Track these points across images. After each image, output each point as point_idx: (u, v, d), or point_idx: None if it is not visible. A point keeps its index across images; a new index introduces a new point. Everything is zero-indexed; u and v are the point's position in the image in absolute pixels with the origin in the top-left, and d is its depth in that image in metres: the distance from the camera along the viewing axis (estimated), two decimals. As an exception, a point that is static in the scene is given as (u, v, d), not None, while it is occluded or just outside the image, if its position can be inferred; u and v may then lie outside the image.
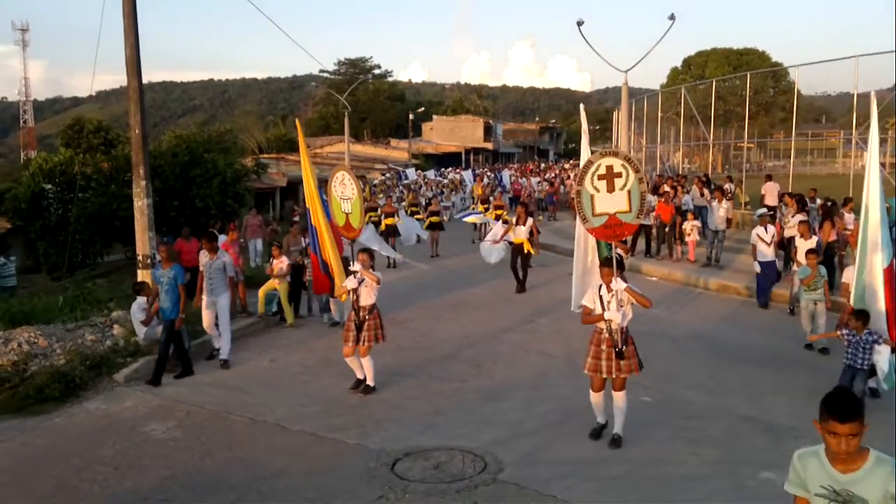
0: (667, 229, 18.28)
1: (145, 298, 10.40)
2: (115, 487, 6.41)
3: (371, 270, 8.68)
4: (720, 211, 16.58)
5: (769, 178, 22.59)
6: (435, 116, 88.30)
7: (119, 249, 25.83)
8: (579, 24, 20.83)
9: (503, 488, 6.19)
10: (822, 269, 10.91)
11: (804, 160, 46.75)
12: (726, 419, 7.79)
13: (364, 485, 6.30)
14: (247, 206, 27.25)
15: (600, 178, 6.89)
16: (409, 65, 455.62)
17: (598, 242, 9.26)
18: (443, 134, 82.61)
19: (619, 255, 7.55)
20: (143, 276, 11.63)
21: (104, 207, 23.73)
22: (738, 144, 32.54)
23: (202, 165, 24.96)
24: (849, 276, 8.94)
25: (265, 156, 48.46)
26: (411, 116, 67.65)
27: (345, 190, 9.45)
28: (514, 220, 15.97)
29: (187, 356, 9.78)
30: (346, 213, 9.47)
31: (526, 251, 15.13)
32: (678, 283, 16.08)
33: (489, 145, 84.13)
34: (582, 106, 11.21)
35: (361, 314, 8.66)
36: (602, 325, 6.99)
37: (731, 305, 13.99)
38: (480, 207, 15.60)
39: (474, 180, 38.14)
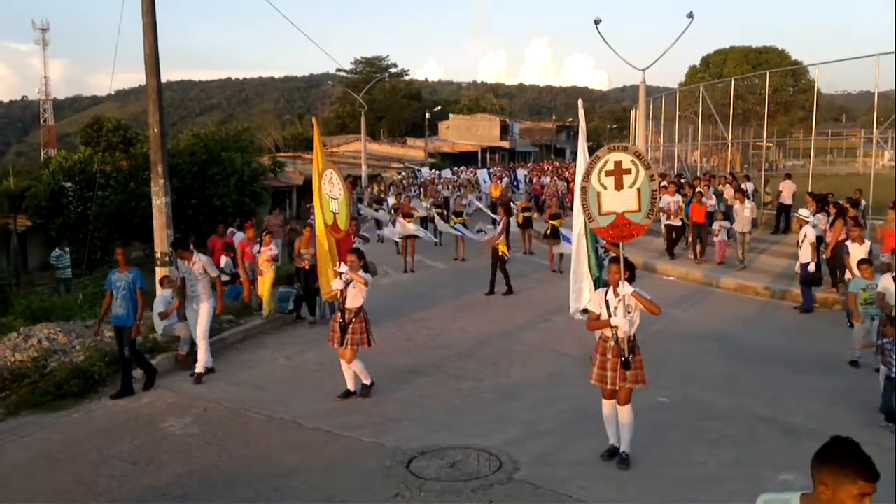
0: (695, 230, 17.74)
1: (170, 291, 10.46)
2: (133, 483, 6.45)
3: (361, 272, 8.41)
4: (745, 212, 16.22)
5: (788, 176, 22.40)
6: (451, 115, 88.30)
7: (138, 247, 26.02)
8: (597, 22, 20.77)
9: (519, 487, 6.17)
10: (886, 279, 9.10)
11: (824, 159, 46.34)
12: (745, 420, 7.72)
13: (380, 483, 6.30)
14: (264, 204, 27.38)
15: (608, 174, 6.48)
16: (426, 63, 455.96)
17: (587, 246, 9.16)
18: (459, 133, 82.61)
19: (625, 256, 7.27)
20: (160, 273, 11.71)
21: (123, 205, 23.97)
22: (757, 143, 32.22)
23: (220, 164, 25.13)
24: (886, 283, 8.44)
25: (282, 154, 48.70)
26: (427, 115, 67.73)
27: (333, 189, 9.00)
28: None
29: (151, 368, 9.22)
30: (334, 213, 8.97)
31: (500, 253, 14.85)
32: (696, 283, 15.97)
33: (506, 144, 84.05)
34: (580, 101, 10.66)
35: (347, 316, 8.42)
36: (608, 332, 6.54)
37: (750, 306, 13.88)
38: (500, 212, 15.29)
39: (490, 180, 38.01)
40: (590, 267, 9.29)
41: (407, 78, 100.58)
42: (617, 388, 6.48)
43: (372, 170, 44.80)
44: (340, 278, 8.44)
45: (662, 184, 22.46)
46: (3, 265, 24.21)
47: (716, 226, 17.35)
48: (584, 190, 6.68)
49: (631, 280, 6.60)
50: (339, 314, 8.51)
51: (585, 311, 8.75)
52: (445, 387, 9.05)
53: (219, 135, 28.08)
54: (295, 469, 6.65)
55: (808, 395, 8.58)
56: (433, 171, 46.77)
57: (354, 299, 8.43)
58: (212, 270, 9.64)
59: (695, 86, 34.23)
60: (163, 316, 10.23)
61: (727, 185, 20.97)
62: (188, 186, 24.29)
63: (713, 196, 19.43)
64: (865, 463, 2.62)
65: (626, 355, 6.44)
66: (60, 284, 16.34)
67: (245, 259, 13.06)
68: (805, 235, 13.12)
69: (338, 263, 8.64)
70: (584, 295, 9.08)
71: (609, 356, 6.50)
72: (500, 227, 15.20)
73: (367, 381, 8.65)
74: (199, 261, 9.56)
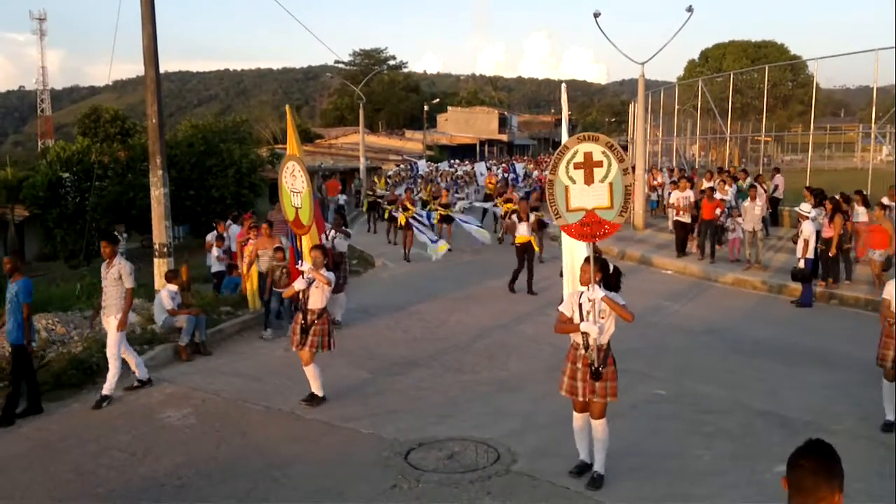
0: (704, 228, 16.92)
1: (176, 288, 10.42)
2: (132, 473, 6.47)
3: (323, 271, 7.99)
4: (755, 209, 15.47)
5: (777, 170, 22.45)
6: (450, 108, 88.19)
7: (136, 238, 26.03)
8: (596, 15, 20.72)
9: (516, 479, 6.20)
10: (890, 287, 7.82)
11: (822, 154, 46.34)
12: (742, 413, 7.76)
13: (378, 474, 6.32)
14: (262, 196, 27.32)
15: (577, 166, 5.93)
16: (424, 55, 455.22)
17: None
18: (457, 125, 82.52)
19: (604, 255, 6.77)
20: (159, 264, 11.71)
21: (121, 196, 23.96)
22: (756, 138, 32.26)
23: (218, 155, 25.11)
24: (891, 291, 7.28)
25: (280, 146, 48.56)
26: (426, 108, 67.58)
27: (295, 182, 8.54)
28: (514, 217, 15.28)
29: (37, 390, 8.06)
30: (296, 208, 8.54)
31: (536, 250, 14.49)
32: (694, 277, 16.00)
33: (504, 137, 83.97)
34: (564, 86, 10.03)
35: (309, 317, 7.98)
36: (578, 338, 5.97)
37: (748, 300, 13.91)
38: (523, 207, 14.98)
39: (486, 173, 37.91)
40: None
41: (405, 70, 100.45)
42: (587, 400, 5.96)
43: (370, 162, 44.72)
44: (302, 277, 8.00)
45: (673, 179, 22.42)
46: (1, 255, 24.18)
47: (730, 222, 16.74)
48: (550, 183, 6.07)
49: (612, 284, 6.05)
50: (299, 315, 8.08)
51: None
52: (443, 379, 9.08)
53: (217, 126, 28.02)
54: (293, 460, 6.68)
55: (804, 388, 8.61)
56: (429, 163, 46.68)
57: (317, 300, 8.01)
58: (127, 281, 8.27)
59: (694, 80, 34.25)
60: (172, 313, 10.16)
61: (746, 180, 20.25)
62: (186, 178, 24.27)
63: (729, 191, 18.78)
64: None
65: (597, 365, 5.86)
66: None
67: (242, 251, 13.05)
68: (802, 231, 13.17)
69: (299, 261, 8.26)
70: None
71: (579, 365, 5.96)
72: (530, 224, 14.51)
73: (318, 393, 8.08)
74: (118, 265, 8.30)
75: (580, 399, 5.97)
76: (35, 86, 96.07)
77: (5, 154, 49.66)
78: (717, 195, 17.90)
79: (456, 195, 26.76)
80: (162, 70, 12.37)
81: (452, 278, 15.85)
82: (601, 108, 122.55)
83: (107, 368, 8.32)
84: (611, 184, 5.86)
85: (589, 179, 5.89)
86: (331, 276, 8.11)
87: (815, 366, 9.54)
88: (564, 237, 8.33)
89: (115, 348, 8.23)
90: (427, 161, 47.43)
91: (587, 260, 6.00)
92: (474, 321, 12.02)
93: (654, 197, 24.99)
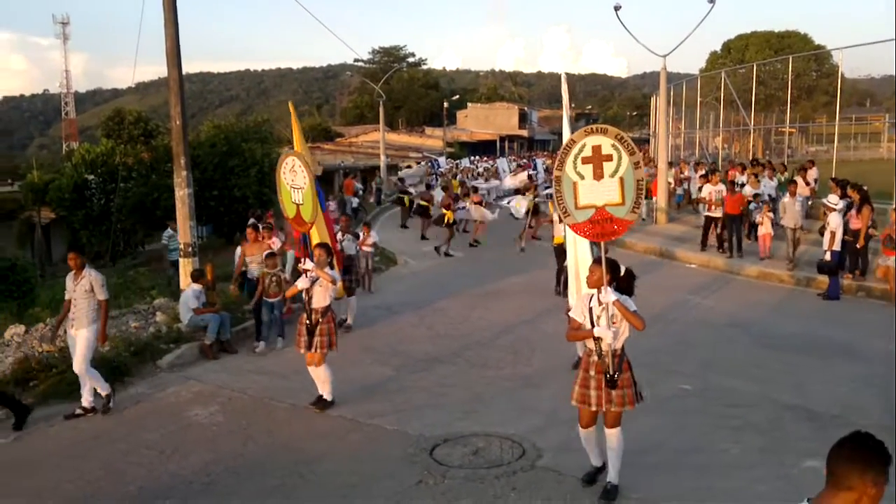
0: (729, 224, 16.45)
1: (201, 287, 10.52)
2: (161, 470, 6.55)
3: (327, 269, 7.82)
4: (796, 206, 14.63)
5: (812, 163, 22.13)
6: (469, 104, 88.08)
7: (160, 238, 26.30)
8: (616, 8, 20.58)
9: (542, 474, 6.19)
10: None
11: (847, 145, 45.68)
12: (769, 407, 7.69)
13: (404, 469, 6.35)
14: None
15: (585, 161, 5.59)
16: (443, 52, 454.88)
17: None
18: (477, 122, 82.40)
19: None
20: (184, 264, 11.83)
21: (145, 197, 24.18)
22: (780, 130, 31.89)
23: (240, 155, 25.27)
24: None
25: (301, 145, 48.73)
26: (446, 104, 67.56)
27: (295, 178, 8.27)
28: (555, 215, 15.15)
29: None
30: (297, 205, 8.27)
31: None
32: (718, 271, 15.86)
33: (524, 132, 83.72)
34: (564, 74, 9.22)
35: (314, 317, 7.75)
36: (591, 344, 5.64)
37: (773, 293, 13.77)
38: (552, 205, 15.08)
39: (509, 169, 37.86)
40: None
41: (425, 67, 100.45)
42: (603, 409, 5.60)
43: (390, 160, 44.83)
44: (306, 276, 7.78)
45: (701, 172, 22.10)
46: (28, 257, 24.53)
47: (759, 217, 16.12)
48: (557, 180, 5.72)
49: (626, 288, 5.70)
50: (304, 315, 7.86)
51: None
52: (467, 375, 9.08)
53: (239, 126, 28.22)
54: (319, 457, 6.72)
55: (832, 381, 8.52)
56: (449, 160, 46.66)
57: (321, 298, 7.80)
58: (100, 293, 7.96)
59: (716, 72, 33.94)
60: (198, 312, 10.24)
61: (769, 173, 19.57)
62: (209, 178, 24.45)
63: (768, 184, 18.36)
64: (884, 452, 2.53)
65: (612, 372, 5.52)
66: (171, 267, 15.68)
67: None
68: (828, 223, 13.00)
69: (303, 260, 8.08)
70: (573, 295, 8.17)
71: (592, 373, 5.60)
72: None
73: (328, 397, 7.90)
74: (88, 276, 7.96)
75: (592, 409, 5.61)
76: (59, 89, 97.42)
77: (31, 157, 50.41)
78: (748, 189, 17.61)
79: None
80: (184, 71, 12.47)
81: (474, 275, 15.84)
82: (622, 102, 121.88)
83: (134, 367, 8.40)
84: (622, 178, 5.53)
85: (598, 174, 5.57)
86: (335, 274, 7.97)
87: (843, 359, 9.43)
88: (569, 236, 8.03)
89: (84, 364, 7.89)
90: (447, 158, 47.42)
91: (597, 261, 5.71)
92: (497, 317, 12.01)
93: (679, 191, 24.49)
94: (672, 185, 24.22)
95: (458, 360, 9.73)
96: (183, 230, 12.03)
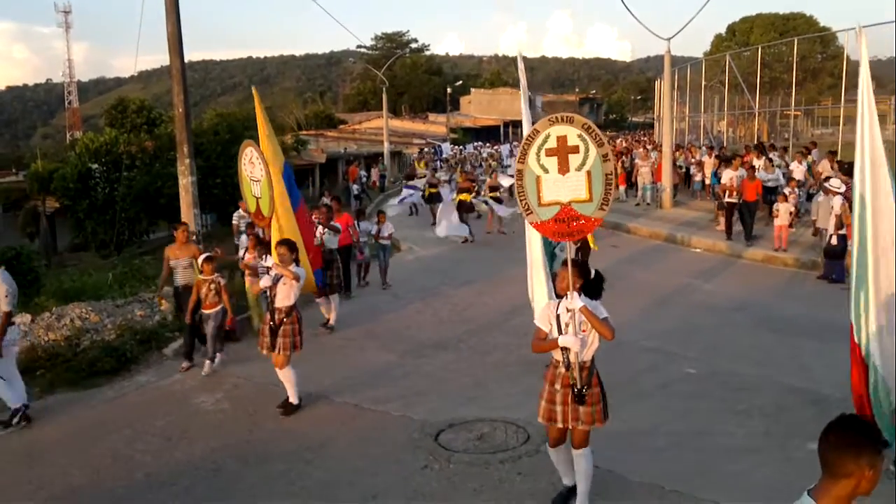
0: (744, 210, 16.00)
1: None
2: (168, 457, 6.59)
3: (292, 266, 7.39)
4: (835, 204, 12.81)
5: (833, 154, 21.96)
6: (472, 89, 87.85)
7: (164, 227, 26.34)
8: (620, -9, 20.44)
9: (547, 459, 6.17)
10: None
11: (853, 128, 45.36)
12: (774, 390, 7.69)
13: (409, 455, 6.37)
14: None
15: (549, 153, 5.04)
16: (446, 37, 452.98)
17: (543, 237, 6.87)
18: (481, 107, 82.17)
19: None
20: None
21: (149, 186, 24.18)
22: (785, 112, 31.73)
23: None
24: None
25: (304, 132, 48.80)
26: (449, 90, 67.42)
27: (253, 170, 7.86)
28: None
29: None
30: (257, 198, 7.86)
31: (591, 247, 12.00)
32: (722, 254, 15.83)
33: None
34: (519, 51, 8.34)
35: (278, 316, 7.40)
36: (558, 355, 5.12)
37: (778, 277, 13.75)
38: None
39: (513, 154, 37.76)
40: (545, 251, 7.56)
41: (427, 53, 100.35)
42: (570, 427, 5.11)
43: (394, 146, 44.76)
44: (268, 274, 7.44)
45: (713, 155, 21.55)
46: (34, 246, 24.60)
47: (780, 207, 15.09)
48: (519, 174, 5.15)
49: (593, 292, 5.19)
50: (268, 315, 7.52)
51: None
52: (472, 361, 9.10)
53: (241, 114, 28.22)
54: (325, 442, 6.75)
55: (837, 365, 8.46)
56: (453, 146, 46.58)
57: (285, 297, 7.41)
58: (3, 303, 7.06)
59: (721, 55, 33.70)
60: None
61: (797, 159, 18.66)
62: (212, 166, 24.43)
63: (777, 169, 17.87)
64: (875, 435, 2.52)
65: (580, 386, 5.02)
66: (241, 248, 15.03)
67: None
68: (832, 206, 12.93)
69: (264, 256, 7.78)
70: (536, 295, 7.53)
71: (558, 386, 5.10)
72: None
73: (293, 399, 7.53)
74: None
75: (559, 426, 5.11)
76: (62, 78, 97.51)
77: (35, 147, 50.46)
78: (762, 174, 17.09)
79: (481, 178, 26.69)
80: (186, 60, 12.44)
81: (479, 261, 15.83)
82: (626, 86, 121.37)
83: (140, 356, 8.43)
84: (589, 172, 4.98)
85: (564, 168, 5.02)
86: (300, 271, 7.49)
87: (847, 341, 9.39)
88: (529, 234, 7.31)
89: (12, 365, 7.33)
90: (451, 144, 47.33)
91: (565, 263, 5.16)
92: (502, 304, 11.99)
93: (698, 178, 23.06)
94: (679, 170, 24.08)
95: (462, 345, 9.74)
96: (186, 218, 12.03)
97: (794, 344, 9.36)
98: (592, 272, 5.24)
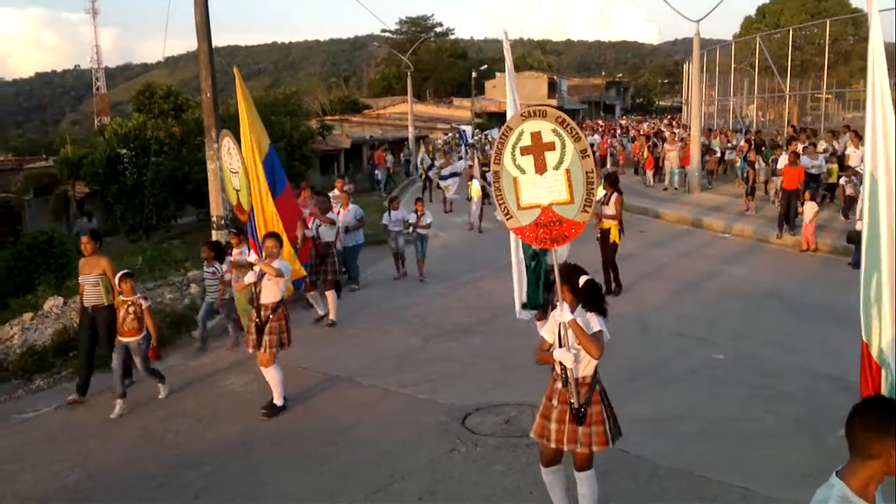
0: (785, 199, 15.11)
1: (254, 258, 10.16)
2: (198, 438, 6.69)
3: (275, 262, 7.04)
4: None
5: (860, 137, 21.56)
6: (497, 74, 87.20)
7: (192, 211, 26.57)
8: (647, -27, 20.14)
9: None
10: None
11: (886, 111, 44.46)
12: (803, 377, 7.62)
13: (436, 438, 6.41)
14: (313, 167, 27.50)
15: (524, 151, 4.66)
16: (471, 21, 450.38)
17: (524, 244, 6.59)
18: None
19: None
20: (216, 236, 11.94)
21: (177, 171, 24.37)
22: (816, 96, 31.19)
23: (269, 128, 25.28)
24: None
25: (329, 118, 48.88)
26: (474, 75, 67.01)
27: (232, 161, 7.50)
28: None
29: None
30: (237, 190, 7.52)
31: (612, 241, 11.15)
32: (750, 239, 15.66)
33: (553, 102, 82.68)
34: (505, 32, 7.91)
35: (263, 313, 7.12)
36: (558, 368, 4.69)
37: (808, 263, 13.58)
38: (606, 186, 13.63)
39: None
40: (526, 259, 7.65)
41: (452, 37, 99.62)
42: (566, 448, 4.64)
43: (419, 131, 44.70)
44: (252, 270, 7.20)
45: (759, 141, 20.88)
46: (65, 231, 24.95)
47: (807, 206, 14.10)
48: (496, 175, 4.78)
49: (589, 301, 4.68)
50: (254, 313, 7.24)
51: (525, 306, 7.73)
52: (497, 345, 9.10)
53: (267, 99, 28.32)
54: (352, 425, 6.81)
55: (868, 351, 8.39)
56: (477, 130, 46.34)
57: (270, 293, 7.14)
58: None
59: (750, 37, 33.20)
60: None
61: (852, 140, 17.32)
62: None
63: (821, 156, 17.06)
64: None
65: (578, 404, 4.57)
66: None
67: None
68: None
69: (247, 251, 7.43)
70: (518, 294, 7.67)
71: (555, 402, 4.66)
72: (610, 207, 11.16)
73: (277, 401, 7.18)
74: None
75: (551, 445, 4.64)
76: (90, 64, 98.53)
77: (64, 132, 51.05)
78: (805, 160, 16.23)
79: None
80: (213, 45, 12.48)
81: (504, 247, 15.74)
82: (653, 70, 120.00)
83: (171, 338, 8.51)
84: (567, 171, 4.59)
85: (540, 167, 4.64)
86: (284, 266, 7.15)
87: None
88: (512, 240, 7.21)
89: None
90: (475, 129, 47.14)
91: (557, 267, 4.77)
92: (527, 288, 11.97)
93: (739, 163, 21.64)
94: (718, 155, 23.76)
95: (487, 329, 9.75)
96: (215, 203, 12.13)
97: (823, 330, 9.25)
98: (582, 280, 4.66)
